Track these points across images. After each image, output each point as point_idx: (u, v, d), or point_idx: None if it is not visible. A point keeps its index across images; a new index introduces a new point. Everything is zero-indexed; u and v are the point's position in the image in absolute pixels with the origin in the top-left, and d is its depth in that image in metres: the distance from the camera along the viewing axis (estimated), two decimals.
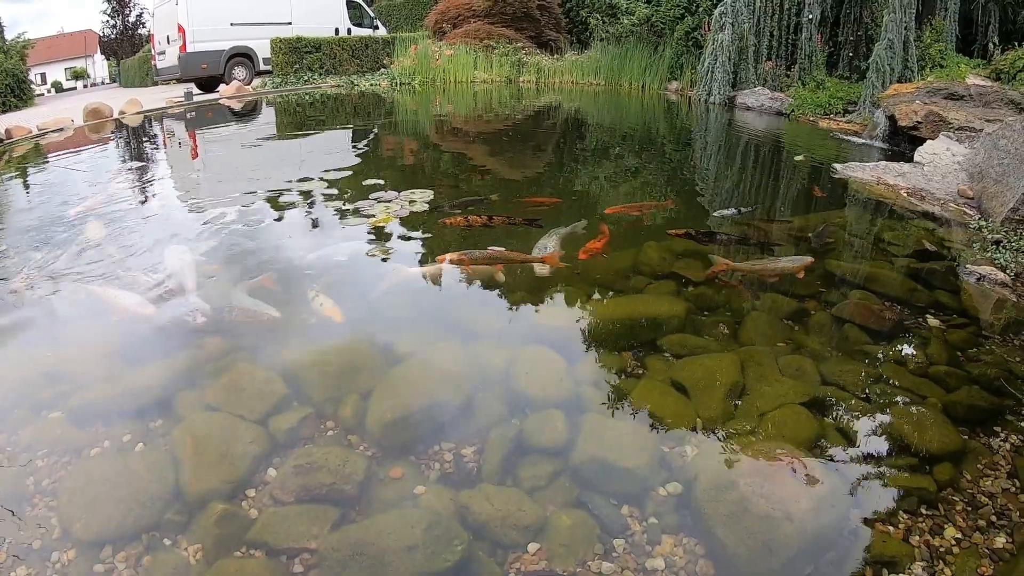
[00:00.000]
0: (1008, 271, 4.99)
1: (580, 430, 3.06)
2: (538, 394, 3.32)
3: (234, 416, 3.13)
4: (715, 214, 6.35)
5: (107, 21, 54.62)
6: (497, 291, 4.50)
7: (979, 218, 6.35)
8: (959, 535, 2.58)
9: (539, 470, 2.85)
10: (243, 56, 20.35)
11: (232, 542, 2.51)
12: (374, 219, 5.86)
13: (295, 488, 2.72)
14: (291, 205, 6.47)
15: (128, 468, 2.83)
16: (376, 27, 23.41)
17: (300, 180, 7.49)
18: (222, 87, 17.73)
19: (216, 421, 3.12)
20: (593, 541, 2.53)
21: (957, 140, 9.17)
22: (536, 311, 4.20)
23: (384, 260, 4.98)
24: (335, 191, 7.00)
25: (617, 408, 3.27)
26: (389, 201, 6.36)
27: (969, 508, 2.72)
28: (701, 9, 16.99)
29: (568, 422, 3.10)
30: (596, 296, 4.43)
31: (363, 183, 7.28)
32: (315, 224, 5.86)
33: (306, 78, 19.17)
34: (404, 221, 5.87)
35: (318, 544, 2.48)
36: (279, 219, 6.00)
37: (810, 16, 14.84)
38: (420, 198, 6.47)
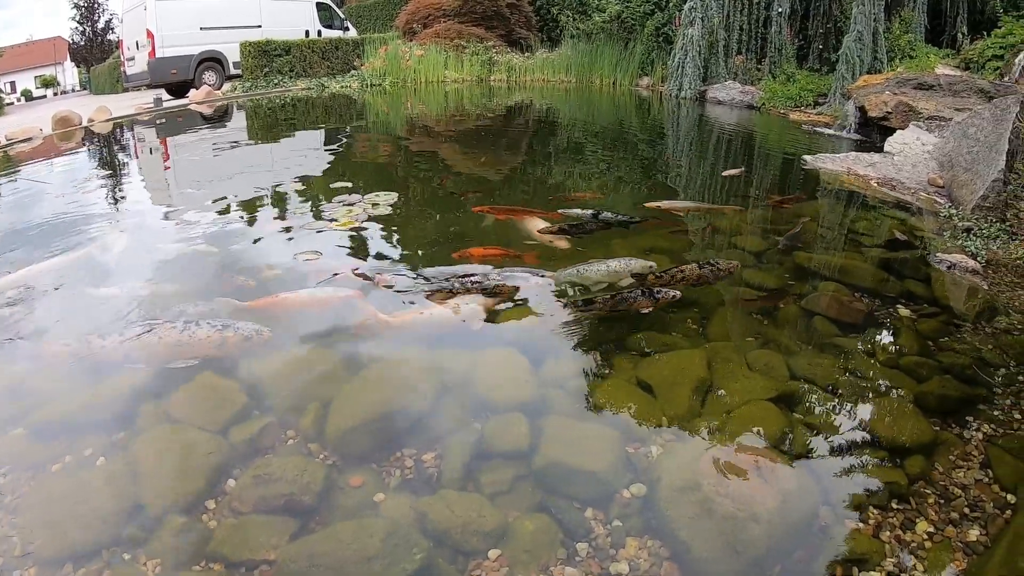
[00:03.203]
0: (979, 259, 4.98)
1: (543, 433, 2.99)
2: (500, 397, 3.25)
3: (195, 427, 3.06)
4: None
5: (76, 27, 53.93)
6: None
7: (949, 206, 6.34)
8: (931, 529, 2.53)
9: (501, 475, 2.79)
10: (213, 60, 20.19)
11: (191, 556, 2.45)
12: (335, 223, 5.75)
13: (254, 499, 2.65)
14: (257, 212, 6.36)
15: (89, 483, 2.76)
16: (346, 28, 23.30)
17: (263, 188, 7.36)
18: (192, 92, 17.53)
19: (177, 433, 3.05)
20: (556, 546, 2.47)
21: (927, 129, 9.19)
22: (499, 313, 4.11)
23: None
24: (302, 195, 6.91)
25: (581, 409, 3.21)
26: (352, 204, 6.26)
27: (941, 501, 2.68)
28: (671, 5, 17.04)
29: (530, 425, 3.03)
30: (562, 295, 4.34)
31: (330, 186, 7.18)
32: (278, 231, 5.73)
33: (276, 81, 19.02)
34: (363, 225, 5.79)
35: (277, 555, 2.42)
36: (244, 229, 5.86)
37: (779, 9, 14.90)
38: (384, 200, 6.37)
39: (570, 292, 4.32)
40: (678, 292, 4.17)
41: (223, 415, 3.13)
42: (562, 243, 5.14)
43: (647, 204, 6.24)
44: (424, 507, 2.62)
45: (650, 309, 4.05)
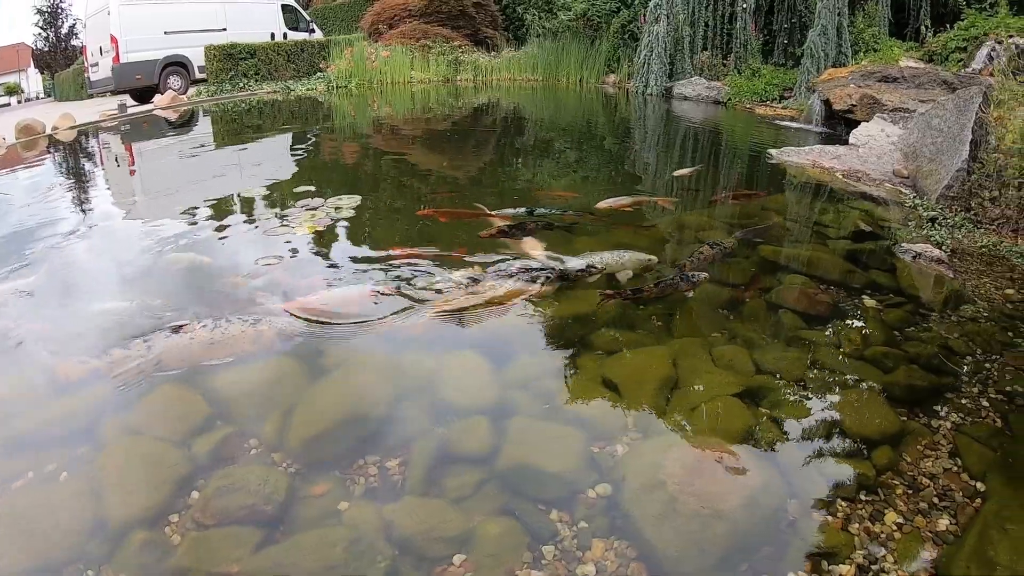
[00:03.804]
0: (944, 248, 5.00)
1: (506, 435, 2.95)
2: (463, 401, 3.21)
3: (157, 439, 3.00)
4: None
5: (40, 33, 53.31)
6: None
7: (914, 197, 6.38)
8: (900, 520, 2.52)
9: (465, 479, 2.74)
10: (178, 65, 19.89)
11: (154, 571, 2.39)
12: (297, 228, 5.67)
13: (216, 511, 2.59)
14: (221, 218, 6.23)
15: (52, 499, 2.69)
16: (312, 31, 23.09)
17: (227, 194, 7.26)
18: (157, 97, 17.31)
19: (139, 446, 2.98)
20: (521, 549, 2.42)
21: (891, 121, 9.26)
22: (463, 315, 4.05)
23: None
24: (265, 200, 6.81)
25: (545, 410, 3.16)
26: (315, 209, 6.18)
27: (910, 491, 2.67)
28: (636, 2, 17.12)
29: (494, 428, 2.99)
30: (526, 296, 4.29)
31: (294, 190, 7.09)
32: (239, 237, 5.63)
33: (241, 85, 18.82)
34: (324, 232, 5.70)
35: (240, 567, 2.37)
36: (206, 236, 5.73)
37: (744, 5, 15.00)
38: (347, 204, 6.29)
39: (620, 279, 4.43)
40: (707, 273, 4.35)
41: (186, 426, 3.07)
42: (534, 245, 5.07)
43: (599, 205, 6.13)
44: (388, 514, 2.57)
45: (691, 292, 4.22)
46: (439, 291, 4.25)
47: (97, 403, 3.27)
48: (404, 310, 4.01)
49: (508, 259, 4.71)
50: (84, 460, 2.90)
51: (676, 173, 7.82)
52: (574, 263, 4.58)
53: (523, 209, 5.82)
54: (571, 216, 5.79)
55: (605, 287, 4.31)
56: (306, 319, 3.91)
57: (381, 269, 4.71)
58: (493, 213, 5.82)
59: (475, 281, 4.35)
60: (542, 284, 4.27)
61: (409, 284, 4.38)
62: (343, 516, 2.58)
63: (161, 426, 3.07)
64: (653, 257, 4.66)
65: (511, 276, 4.40)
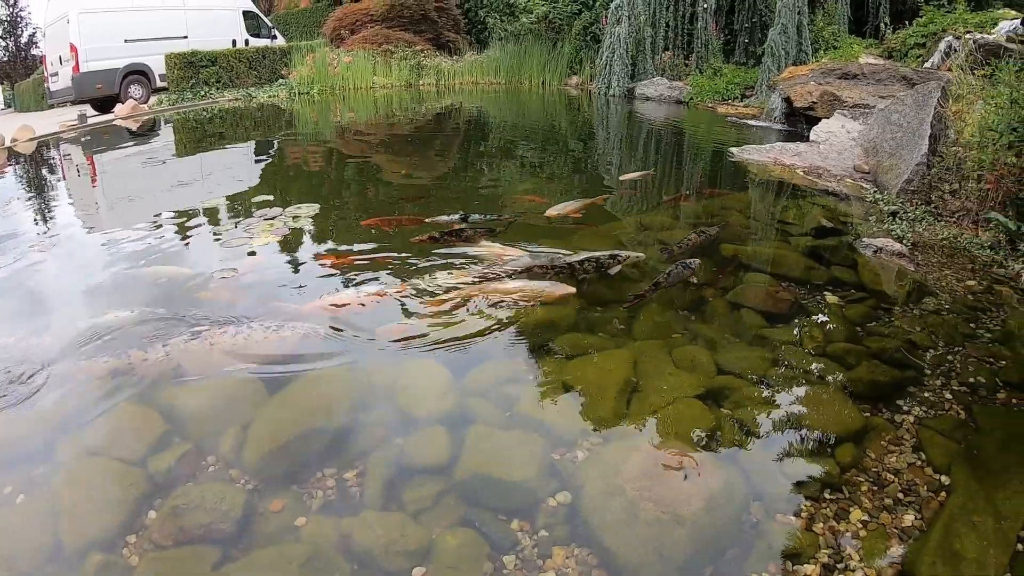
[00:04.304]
0: (905, 241, 5.02)
1: (466, 444, 2.91)
2: (422, 410, 3.16)
3: (114, 459, 2.93)
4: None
5: None
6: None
7: (875, 191, 6.42)
8: (865, 517, 2.51)
9: (424, 490, 2.69)
10: (139, 73, 19.58)
11: None
12: (254, 239, 5.58)
13: (174, 531, 2.54)
14: (179, 230, 6.10)
15: (10, 522, 2.64)
16: (274, 37, 22.91)
17: (188, 205, 7.05)
18: (118, 107, 17.03)
19: (96, 466, 2.92)
20: (482, 560, 2.38)
21: (851, 117, 9.34)
22: (420, 323, 3.98)
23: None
24: (226, 210, 6.72)
25: (504, 417, 3.11)
26: (273, 218, 6.08)
27: (875, 487, 2.66)
28: (598, 4, 17.16)
29: (453, 437, 2.94)
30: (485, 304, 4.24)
31: (254, 200, 6.98)
32: (196, 248, 5.53)
33: (203, 93, 18.57)
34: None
35: None
36: (163, 248, 5.60)
37: (705, 5, 15.11)
38: (305, 213, 6.22)
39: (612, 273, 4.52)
40: (699, 260, 4.52)
41: (143, 445, 3.00)
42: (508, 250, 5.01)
43: (548, 212, 5.99)
44: (346, 528, 2.53)
45: (694, 279, 4.38)
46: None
47: (55, 423, 3.19)
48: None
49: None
50: (41, 482, 2.84)
51: (623, 177, 7.75)
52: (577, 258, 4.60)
53: (457, 215, 5.79)
54: (507, 219, 5.75)
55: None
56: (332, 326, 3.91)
57: (336, 277, 4.68)
58: (428, 220, 5.76)
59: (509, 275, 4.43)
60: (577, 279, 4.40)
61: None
62: (301, 532, 2.53)
63: (118, 445, 3.01)
64: (641, 255, 4.74)
65: (549, 269, 4.48)
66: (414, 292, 4.28)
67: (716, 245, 5.05)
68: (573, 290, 4.19)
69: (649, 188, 7.29)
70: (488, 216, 5.79)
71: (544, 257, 4.64)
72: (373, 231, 5.60)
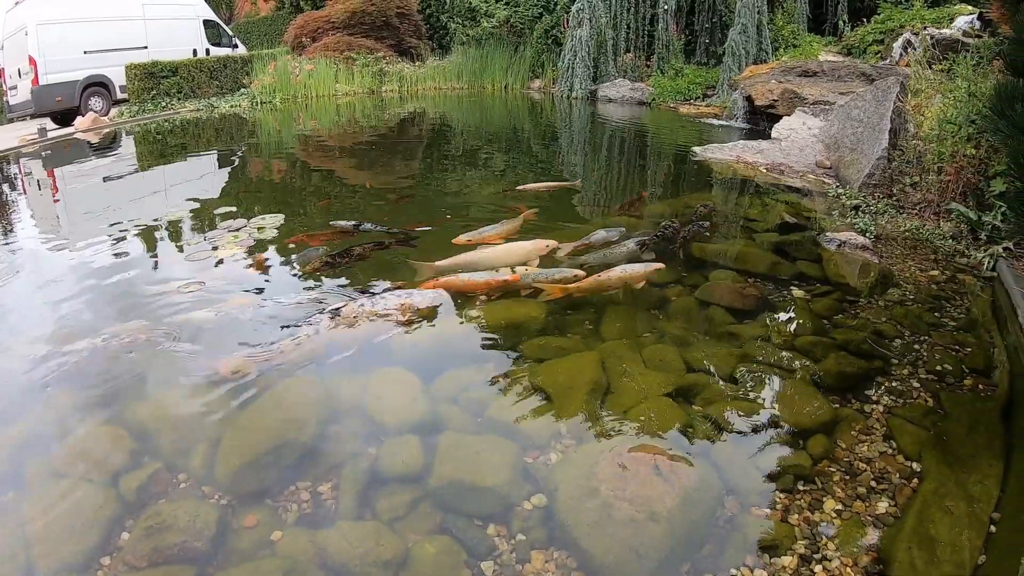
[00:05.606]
0: (868, 234, 5.08)
1: (438, 451, 2.89)
2: (393, 419, 3.13)
3: (83, 480, 2.87)
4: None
5: None
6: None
7: (837, 186, 6.49)
8: (839, 506, 2.55)
9: (398, 499, 2.68)
10: (99, 85, 19.25)
11: None
12: (218, 250, 5.50)
13: (148, 551, 2.49)
14: (142, 243, 6.01)
15: None
16: (235, 46, 22.66)
17: (151, 218, 6.92)
18: (78, 120, 16.75)
19: (65, 488, 2.84)
20: (460, 567, 2.38)
21: (812, 114, 9.44)
22: (388, 330, 3.95)
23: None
24: (188, 222, 6.62)
25: (476, 423, 3.10)
26: (237, 230, 6.01)
27: (847, 477, 2.69)
28: (559, 7, 17.18)
29: (424, 445, 2.92)
30: (453, 308, 4.21)
31: (217, 211, 6.89)
32: (160, 261, 5.45)
33: (164, 104, 18.33)
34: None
35: None
36: (125, 262, 5.50)
37: (665, 7, 15.19)
38: (271, 224, 6.15)
39: None
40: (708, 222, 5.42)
41: (112, 465, 2.95)
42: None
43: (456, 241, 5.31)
44: (322, 540, 2.51)
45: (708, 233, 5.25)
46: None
47: (21, 445, 3.13)
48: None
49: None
50: (9, 508, 2.79)
51: (520, 188, 7.23)
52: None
53: (351, 223, 5.79)
54: (398, 233, 5.65)
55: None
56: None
57: (305, 287, 4.64)
58: (338, 228, 5.83)
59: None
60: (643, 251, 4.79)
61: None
62: (276, 546, 2.51)
63: (87, 466, 2.96)
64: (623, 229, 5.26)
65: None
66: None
67: (687, 243, 5.07)
68: (662, 265, 4.34)
69: (608, 192, 7.29)
70: (379, 227, 5.74)
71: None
72: (292, 246, 5.54)
